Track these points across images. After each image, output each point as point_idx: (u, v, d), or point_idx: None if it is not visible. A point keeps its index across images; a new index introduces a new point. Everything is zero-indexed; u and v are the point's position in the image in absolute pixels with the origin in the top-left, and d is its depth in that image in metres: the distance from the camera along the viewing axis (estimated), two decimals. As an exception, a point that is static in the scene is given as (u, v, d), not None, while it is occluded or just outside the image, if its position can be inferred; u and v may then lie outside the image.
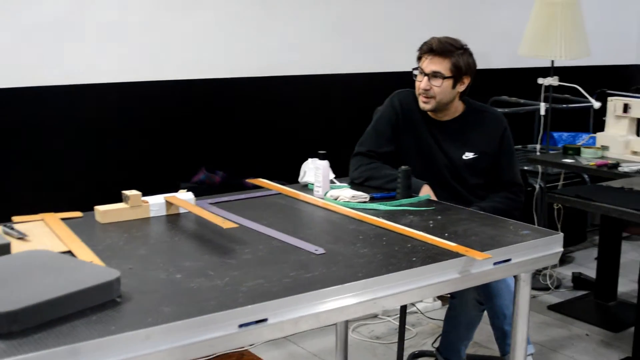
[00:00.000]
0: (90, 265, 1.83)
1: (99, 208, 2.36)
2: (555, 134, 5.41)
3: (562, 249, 2.28)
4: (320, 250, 2.06)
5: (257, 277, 1.83)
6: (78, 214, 2.42)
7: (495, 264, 2.11)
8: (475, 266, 2.06)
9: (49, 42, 3.69)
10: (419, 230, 2.26)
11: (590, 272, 4.66)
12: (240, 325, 1.64)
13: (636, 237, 5.53)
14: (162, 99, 4.07)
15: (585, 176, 4.94)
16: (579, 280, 4.59)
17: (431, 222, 2.40)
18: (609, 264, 4.26)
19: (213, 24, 4.21)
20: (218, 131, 4.29)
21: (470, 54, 2.92)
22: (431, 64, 2.87)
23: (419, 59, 2.93)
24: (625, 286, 4.50)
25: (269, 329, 1.69)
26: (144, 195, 2.42)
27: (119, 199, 2.41)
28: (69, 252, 2.02)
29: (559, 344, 3.79)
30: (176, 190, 2.55)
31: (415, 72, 2.94)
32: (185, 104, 4.17)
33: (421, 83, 2.90)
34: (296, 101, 4.60)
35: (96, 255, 1.98)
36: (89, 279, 1.66)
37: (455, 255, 2.04)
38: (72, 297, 1.59)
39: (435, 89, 2.87)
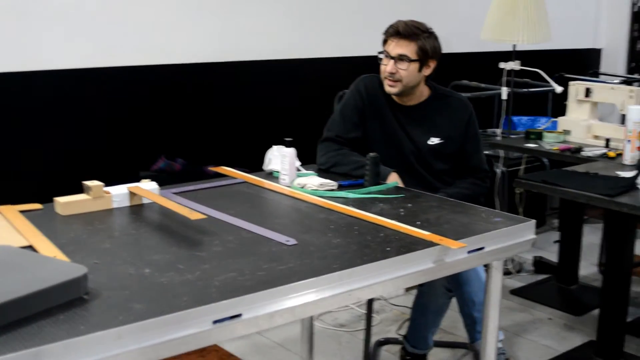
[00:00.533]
0: (54, 261, 1.76)
1: (60, 200, 2.27)
2: (515, 118, 5.40)
3: (534, 236, 2.26)
4: (292, 241, 2.00)
5: (229, 271, 1.78)
6: (37, 206, 2.33)
7: (469, 252, 2.08)
8: (449, 255, 2.03)
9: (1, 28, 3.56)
10: (391, 219, 2.22)
11: (550, 255, 4.68)
12: (215, 322, 1.59)
13: (595, 220, 5.57)
14: (118, 86, 3.96)
15: (545, 160, 4.95)
16: (540, 264, 4.61)
17: (402, 210, 2.36)
18: (570, 248, 4.28)
19: (174, 8, 4.11)
20: (177, 118, 4.19)
21: (436, 38, 2.89)
22: (397, 47, 2.83)
23: (385, 42, 2.89)
24: (585, 269, 4.54)
25: (243, 324, 1.64)
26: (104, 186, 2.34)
27: (77, 189, 2.32)
28: (30, 247, 1.93)
29: (523, 328, 3.80)
30: (135, 180, 2.47)
31: (381, 55, 2.90)
32: (144, 91, 4.06)
33: (387, 66, 2.85)
34: (257, 87, 4.52)
35: (59, 250, 1.90)
36: (54, 275, 1.59)
37: (430, 244, 2.01)
38: (37, 295, 1.52)
39: (401, 72, 2.84)
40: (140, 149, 4.03)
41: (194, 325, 1.55)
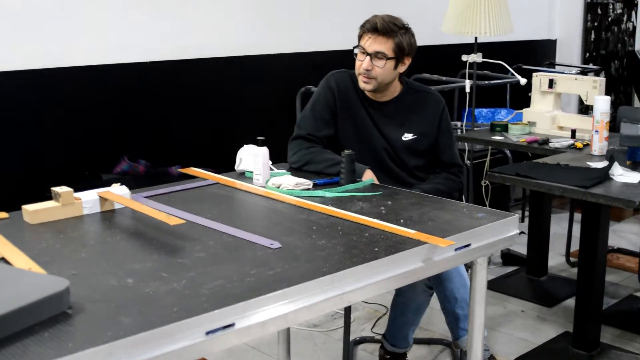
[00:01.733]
0: (32, 274, 1.67)
1: (28, 207, 2.17)
2: (475, 111, 5.40)
3: (517, 231, 2.24)
4: (277, 244, 1.94)
5: (217, 278, 1.71)
6: (3, 214, 2.23)
7: (456, 249, 2.04)
8: (437, 253, 1.99)
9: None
10: (373, 217, 2.18)
11: (517, 247, 4.68)
12: (208, 332, 1.52)
13: (559, 210, 5.61)
14: (77, 86, 3.84)
15: (508, 152, 4.96)
16: (508, 257, 4.61)
17: (382, 208, 2.31)
18: (538, 239, 4.28)
19: (131, 4, 4.00)
20: (139, 118, 4.09)
21: (412, 34, 2.85)
22: (374, 44, 2.78)
23: (360, 37, 2.83)
24: (553, 260, 4.55)
25: (237, 334, 1.58)
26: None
27: (37, 195, 2.23)
28: (2, 259, 1.84)
29: (497, 321, 3.78)
30: (99, 183, 2.38)
31: (356, 50, 2.84)
32: (102, 91, 3.95)
33: (363, 63, 2.80)
34: (221, 85, 4.44)
35: (33, 261, 1.81)
36: (35, 290, 1.51)
37: (417, 243, 1.96)
38: (19, 313, 1.44)
39: (377, 70, 2.78)
40: (101, 150, 3.92)
41: (187, 338, 1.49)
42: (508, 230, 2.21)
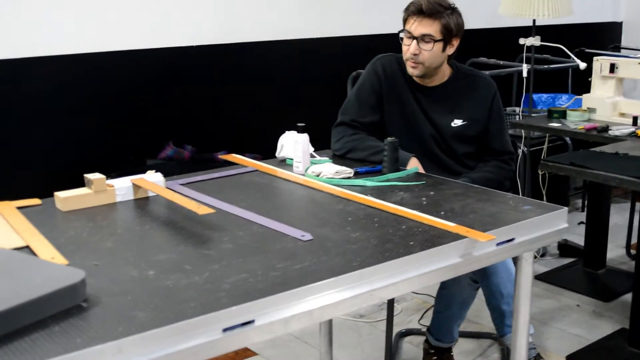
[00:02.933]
0: (50, 265, 1.62)
1: (60, 194, 2.14)
2: (535, 96, 5.24)
3: (566, 225, 2.11)
4: (308, 236, 1.86)
5: (240, 271, 1.64)
6: (36, 201, 2.19)
7: (498, 244, 1.93)
8: (477, 248, 1.88)
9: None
10: (412, 209, 2.08)
11: (575, 237, 4.53)
12: (225, 330, 1.45)
13: (621, 200, 5.41)
14: (122, 71, 3.82)
15: (568, 139, 4.78)
16: (565, 248, 4.46)
17: (424, 198, 2.21)
18: (597, 231, 4.12)
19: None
20: (185, 103, 4.05)
21: (459, 14, 2.73)
22: (420, 27, 2.67)
23: (405, 21, 2.72)
24: (612, 252, 4.38)
25: (256, 331, 1.50)
26: (111, 175, 2.21)
27: (81, 183, 2.19)
28: (27, 248, 1.80)
29: (550, 316, 3.65)
30: (143, 168, 2.33)
31: (402, 35, 2.74)
32: (149, 76, 3.92)
33: (410, 47, 2.69)
34: (269, 69, 4.37)
35: (57, 251, 1.77)
36: (50, 282, 1.46)
37: (456, 237, 1.86)
38: (31, 305, 1.39)
39: (425, 54, 2.68)
40: (147, 135, 3.89)
41: (202, 335, 1.42)
42: (556, 224, 2.08)
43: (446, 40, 2.69)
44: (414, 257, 1.74)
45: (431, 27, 2.66)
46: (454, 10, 2.71)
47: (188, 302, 1.48)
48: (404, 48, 2.73)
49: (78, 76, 3.67)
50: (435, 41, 2.67)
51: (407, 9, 2.72)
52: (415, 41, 2.68)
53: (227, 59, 4.17)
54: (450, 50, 2.74)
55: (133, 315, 1.42)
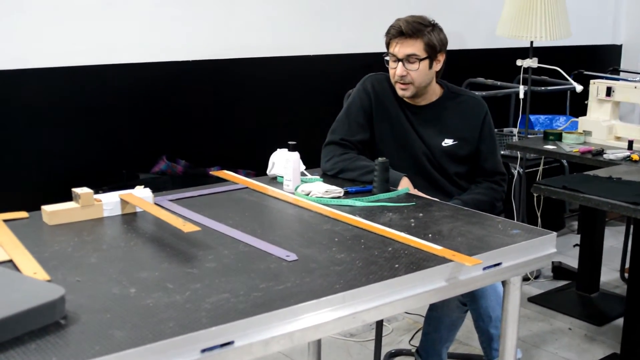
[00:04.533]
0: (30, 281, 1.61)
1: (46, 208, 2.13)
2: (532, 117, 5.24)
3: (554, 250, 2.10)
4: (293, 256, 1.85)
5: (222, 291, 1.62)
6: (23, 214, 2.19)
7: (484, 268, 1.92)
8: (463, 272, 1.87)
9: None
10: (400, 231, 2.07)
11: (570, 260, 4.52)
12: (203, 350, 1.44)
13: (616, 223, 5.39)
14: (116, 84, 3.81)
15: (564, 161, 4.78)
16: (559, 270, 4.44)
17: (412, 220, 2.20)
18: (591, 254, 4.10)
19: (176, 2, 3.95)
20: (180, 117, 4.04)
21: (440, 29, 2.73)
22: (403, 48, 2.67)
23: (388, 44, 2.73)
24: (606, 275, 4.37)
25: (236, 352, 1.48)
26: (103, 189, 2.20)
27: (70, 196, 2.18)
28: (10, 262, 1.79)
29: (541, 339, 3.63)
30: (136, 182, 2.33)
31: (387, 58, 2.74)
32: (143, 89, 3.91)
33: (396, 70, 2.69)
34: (265, 85, 4.37)
35: (40, 266, 1.76)
36: (28, 298, 1.45)
37: (442, 260, 1.85)
38: (7, 321, 1.38)
39: (412, 74, 2.68)
40: (140, 150, 3.88)
41: (180, 356, 1.40)
42: (545, 249, 2.07)
43: (431, 57, 2.69)
44: (398, 280, 1.73)
45: (414, 47, 2.66)
46: (434, 26, 2.71)
47: (167, 321, 1.47)
48: (391, 71, 2.74)
49: (71, 89, 3.67)
50: (421, 60, 2.67)
51: (388, 33, 2.73)
52: (400, 63, 2.68)
53: (222, 74, 4.16)
54: (437, 67, 2.75)
55: (111, 334, 1.41)
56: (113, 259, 1.85)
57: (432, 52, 2.69)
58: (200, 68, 4.05)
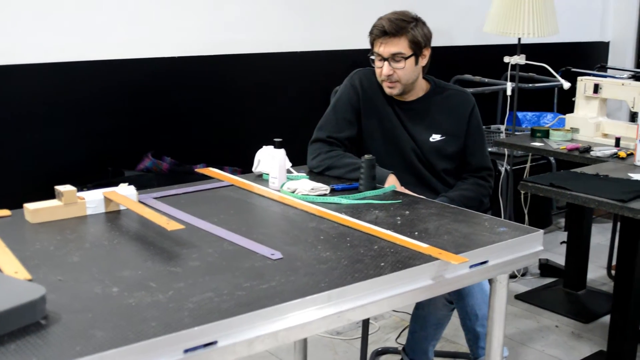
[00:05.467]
0: (11, 281, 1.59)
1: (29, 206, 2.10)
2: (520, 114, 5.24)
3: (541, 248, 2.09)
4: (277, 255, 1.83)
5: (206, 290, 1.60)
6: (6, 212, 2.16)
7: (471, 266, 1.91)
8: (449, 270, 1.86)
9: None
10: (386, 229, 2.05)
11: (557, 257, 4.52)
12: (186, 351, 1.42)
13: (603, 220, 5.40)
14: (102, 81, 3.77)
15: (552, 158, 4.77)
16: (546, 267, 4.44)
17: (398, 218, 2.18)
18: (578, 251, 4.10)
19: (157, -1, 3.93)
20: (166, 114, 4.01)
21: (424, 23, 2.72)
22: (388, 47, 2.66)
23: (372, 44, 2.72)
24: (593, 272, 4.37)
25: (219, 352, 1.47)
26: (88, 186, 2.18)
27: (53, 194, 2.16)
28: (-10, 261, 1.77)
29: (528, 336, 3.62)
30: (121, 179, 2.30)
31: (372, 57, 2.73)
32: (129, 86, 3.88)
33: (382, 69, 2.68)
34: (253, 82, 4.34)
35: (21, 264, 1.73)
36: (8, 298, 1.43)
37: (428, 258, 1.83)
38: (-14, 322, 1.36)
39: (399, 72, 2.67)
40: (126, 147, 3.85)
41: (162, 356, 1.38)
42: (531, 247, 2.06)
43: (417, 53, 2.68)
44: (383, 279, 1.72)
45: (399, 45, 2.65)
46: (417, 21, 2.70)
47: (149, 321, 1.45)
48: (377, 71, 2.73)
49: (56, 85, 3.63)
50: (406, 58, 2.66)
51: (371, 33, 2.71)
52: (386, 62, 2.67)
53: (210, 71, 4.14)
54: (424, 62, 2.74)
55: (92, 334, 1.39)
56: (96, 257, 1.83)
57: (417, 48, 2.68)
58: (187, 64, 4.03)
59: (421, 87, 2.80)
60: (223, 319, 1.46)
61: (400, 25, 2.65)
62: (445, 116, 2.80)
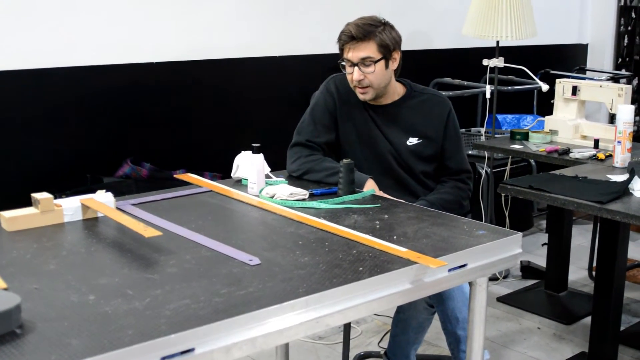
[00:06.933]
0: (-16, 290, 1.57)
1: (4, 214, 2.09)
2: (499, 117, 5.25)
3: (520, 250, 2.09)
4: (255, 261, 1.82)
5: (183, 297, 1.59)
6: (-19, 220, 2.14)
7: (450, 270, 1.90)
8: (428, 274, 1.85)
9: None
10: (365, 233, 2.05)
11: (538, 259, 4.53)
12: (163, 358, 1.40)
13: (583, 221, 5.42)
14: (79, 87, 3.75)
15: (532, 161, 4.79)
16: (527, 269, 4.45)
17: (377, 222, 2.18)
18: (558, 253, 4.12)
19: (133, 4, 3.90)
20: (145, 120, 3.99)
21: (392, 27, 2.72)
22: (357, 52, 2.66)
23: (342, 50, 2.72)
24: (574, 274, 4.38)
25: (196, 359, 1.45)
26: (66, 193, 2.16)
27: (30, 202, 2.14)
28: (-34, 270, 1.75)
29: (510, 339, 3.63)
30: (99, 186, 2.29)
31: (343, 63, 2.73)
32: (107, 92, 3.85)
33: (353, 75, 2.68)
34: (231, 87, 4.33)
35: (-3, 273, 1.72)
36: (-19, 308, 1.41)
37: (407, 262, 1.83)
38: (-41, 332, 1.34)
39: (369, 77, 2.67)
40: (104, 153, 3.83)
41: (139, 364, 1.37)
42: (510, 249, 2.07)
43: (386, 57, 2.68)
44: (362, 284, 1.71)
45: (367, 50, 2.65)
46: (385, 25, 2.70)
47: (126, 329, 1.44)
48: (348, 77, 2.73)
49: (32, 92, 3.60)
50: (376, 62, 2.66)
51: (339, 39, 2.72)
52: (356, 67, 2.67)
53: (186, 76, 4.12)
54: (394, 65, 2.74)
55: (67, 342, 1.38)
56: (72, 265, 1.82)
57: (386, 52, 2.68)
58: (165, 70, 4.01)
59: (396, 91, 2.81)
60: (200, 326, 1.45)
61: (368, 29, 2.65)
62: (421, 120, 2.80)
